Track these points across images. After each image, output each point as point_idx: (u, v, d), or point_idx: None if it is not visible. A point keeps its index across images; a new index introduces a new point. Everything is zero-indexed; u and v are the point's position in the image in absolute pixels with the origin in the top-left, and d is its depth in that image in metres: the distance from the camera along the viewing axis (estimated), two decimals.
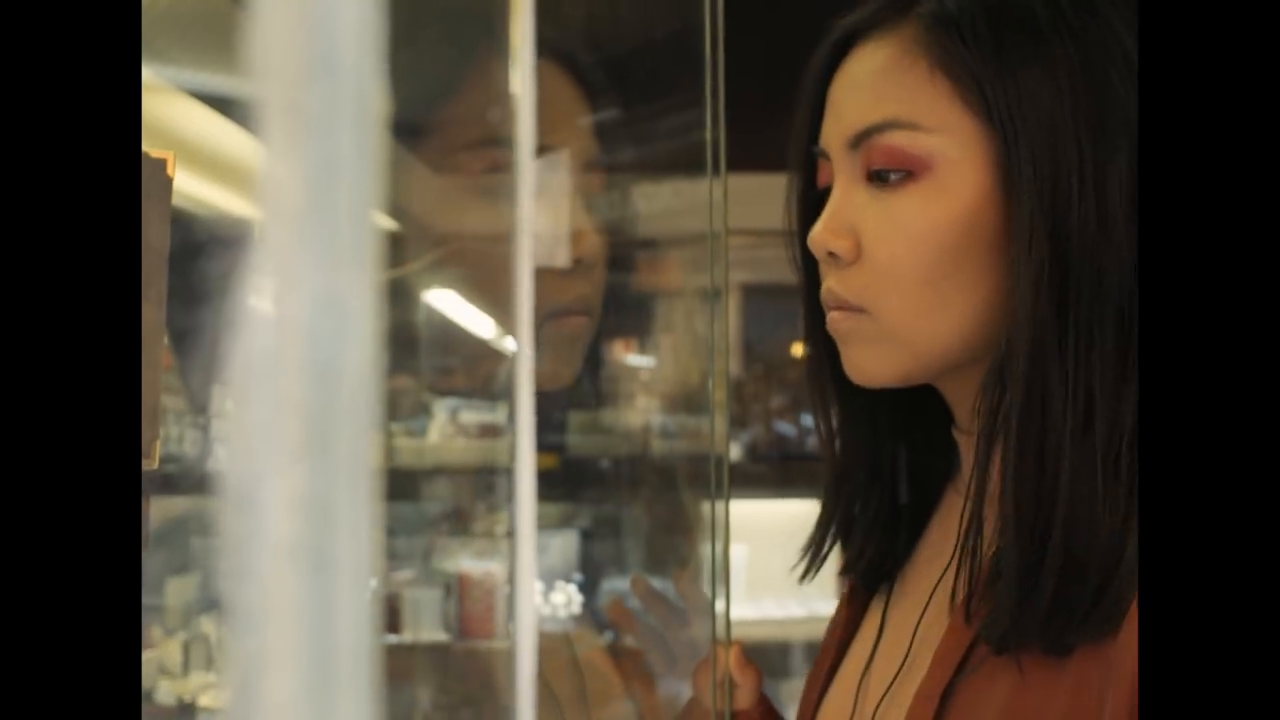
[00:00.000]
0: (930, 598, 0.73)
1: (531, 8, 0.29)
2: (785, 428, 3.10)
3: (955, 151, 0.67)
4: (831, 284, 0.71)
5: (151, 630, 1.95)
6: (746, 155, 1.03)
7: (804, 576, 0.85)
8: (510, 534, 2.36)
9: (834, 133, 0.71)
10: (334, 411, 0.19)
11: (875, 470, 0.80)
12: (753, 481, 2.69)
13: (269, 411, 0.19)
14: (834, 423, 0.79)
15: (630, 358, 2.52)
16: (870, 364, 0.70)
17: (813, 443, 3.07)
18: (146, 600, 1.99)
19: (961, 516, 0.68)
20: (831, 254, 0.70)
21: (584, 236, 0.94)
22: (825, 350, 0.76)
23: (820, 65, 0.73)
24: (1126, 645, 0.62)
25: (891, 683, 0.73)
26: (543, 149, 0.97)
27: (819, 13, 0.78)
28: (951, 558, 0.70)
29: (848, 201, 0.70)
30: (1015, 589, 0.64)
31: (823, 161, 0.73)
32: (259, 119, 0.19)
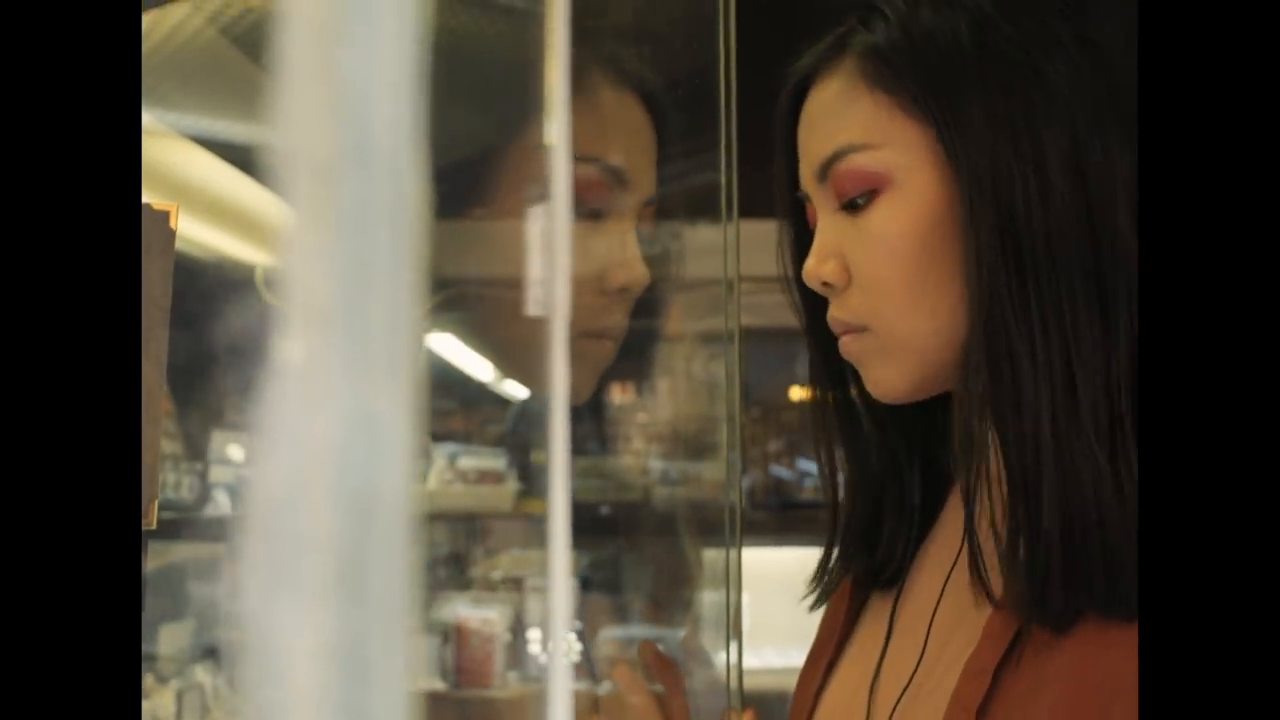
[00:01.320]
0: (942, 592, 0.75)
1: (566, 61, 0.27)
2: (783, 472, 3.08)
3: (906, 159, 0.71)
4: (834, 311, 0.74)
5: (145, 679, 1.92)
6: (748, 201, 1.03)
7: (815, 605, 0.86)
8: (514, 580, 2.34)
9: (806, 172, 0.75)
10: (367, 546, 0.17)
11: (898, 488, 0.81)
12: (753, 529, 2.66)
13: (294, 546, 0.17)
14: (843, 452, 0.81)
15: (629, 402, 2.51)
16: (887, 378, 0.73)
17: (811, 489, 3.05)
18: (141, 648, 1.95)
19: (964, 501, 0.70)
20: (825, 283, 0.73)
21: (634, 266, 0.95)
22: (835, 385, 0.80)
23: (784, 113, 0.78)
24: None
25: (911, 677, 0.74)
26: (617, 174, 0.99)
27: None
28: (960, 548, 0.71)
29: (830, 232, 0.74)
30: (1023, 565, 0.67)
31: (808, 204, 0.77)
32: (287, 213, 0.17)
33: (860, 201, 0.72)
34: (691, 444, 2.50)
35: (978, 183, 0.69)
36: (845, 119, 0.72)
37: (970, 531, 0.69)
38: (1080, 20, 0.72)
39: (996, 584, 0.69)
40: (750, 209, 1.04)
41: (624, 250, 0.96)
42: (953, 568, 0.74)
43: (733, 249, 1.03)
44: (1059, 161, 0.69)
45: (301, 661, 0.16)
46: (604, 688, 2.09)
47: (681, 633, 2.08)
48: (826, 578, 0.84)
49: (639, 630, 2.20)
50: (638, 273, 0.96)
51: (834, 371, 0.79)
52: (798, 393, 3.19)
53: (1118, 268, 0.67)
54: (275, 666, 0.17)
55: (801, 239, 0.78)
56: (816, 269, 0.73)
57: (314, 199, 0.17)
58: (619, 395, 2.53)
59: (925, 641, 0.73)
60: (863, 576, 0.82)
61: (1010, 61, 0.70)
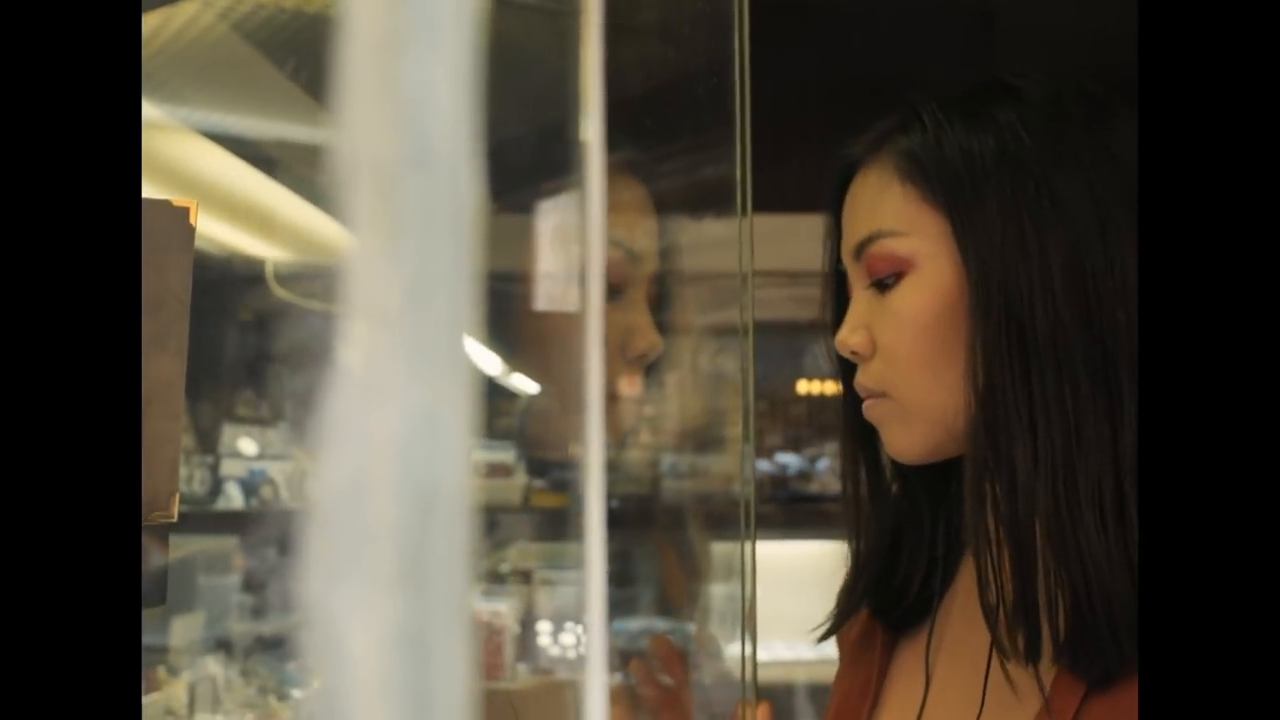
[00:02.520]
0: (990, 656, 0.78)
1: (600, 56, 0.28)
2: (791, 460, 3.08)
3: (929, 247, 0.78)
4: (860, 378, 0.81)
5: (157, 671, 1.93)
6: (756, 196, 1.05)
7: (825, 636, 0.93)
8: (523, 573, 2.34)
9: (845, 249, 0.84)
10: (429, 538, 0.17)
11: (916, 535, 0.87)
12: (760, 522, 2.67)
13: (357, 538, 0.17)
14: (871, 489, 0.88)
15: (637, 395, 2.51)
16: (904, 441, 0.80)
17: (818, 483, 3.05)
18: (151, 640, 1.96)
19: (978, 568, 0.76)
20: (854, 351, 0.81)
21: (649, 333, 1.08)
22: (861, 441, 0.87)
23: (832, 194, 0.87)
24: None
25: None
26: (635, 255, 1.12)
27: (827, 59, 0.82)
28: (997, 607, 0.76)
29: (861, 305, 0.82)
30: (1035, 627, 0.73)
31: (847, 276, 0.85)
32: (348, 217, 0.18)
33: (889, 281, 0.80)
34: (699, 438, 2.51)
35: (985, 275, 0.76)
36: (879, 207, 0.81)
37: (981, 589, 0.75)
38: (1102, 132, 0.79)
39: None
40: (759, 204, 1.05)
41: (640, 320, 1.07)
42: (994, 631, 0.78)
43: (747, 244, 1.05)
44: (1061, 262, 0.75)
45: (365, 650, 0.17)
46: (614, 679, 2.10)
47: (691, 625, 2.09)
48: (842, 611, 0.91)
49: (647, 623, 2.20)
50: (652, 339, 1.09)
51: (860, 428, 0.85)
52: (804, 386, 3.20)
53: (1119, 358, 0.73)
54: (339, 655, 0.17)
55: (839, 305, 0.87)
56: (847, 338, 0.81)
57: (375, 204, 0.18)
58: (627, 389, 2.53)
59: (984, 694, 0.78)
60: (886, 620, 0.88)
61: (1025, 173, 0.77)
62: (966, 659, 0.81)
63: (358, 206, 0.18)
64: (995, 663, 0.77)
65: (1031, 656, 0.73)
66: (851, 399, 0.86)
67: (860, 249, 0.82)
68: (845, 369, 0.86)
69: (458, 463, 0.18)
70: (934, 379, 0.78)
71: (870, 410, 0.81)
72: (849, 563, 0.91)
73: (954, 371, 0.77)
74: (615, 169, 1.11)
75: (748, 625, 0.96)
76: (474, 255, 0.18)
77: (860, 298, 0.82)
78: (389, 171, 0.18)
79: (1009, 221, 0.76)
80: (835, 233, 0.87)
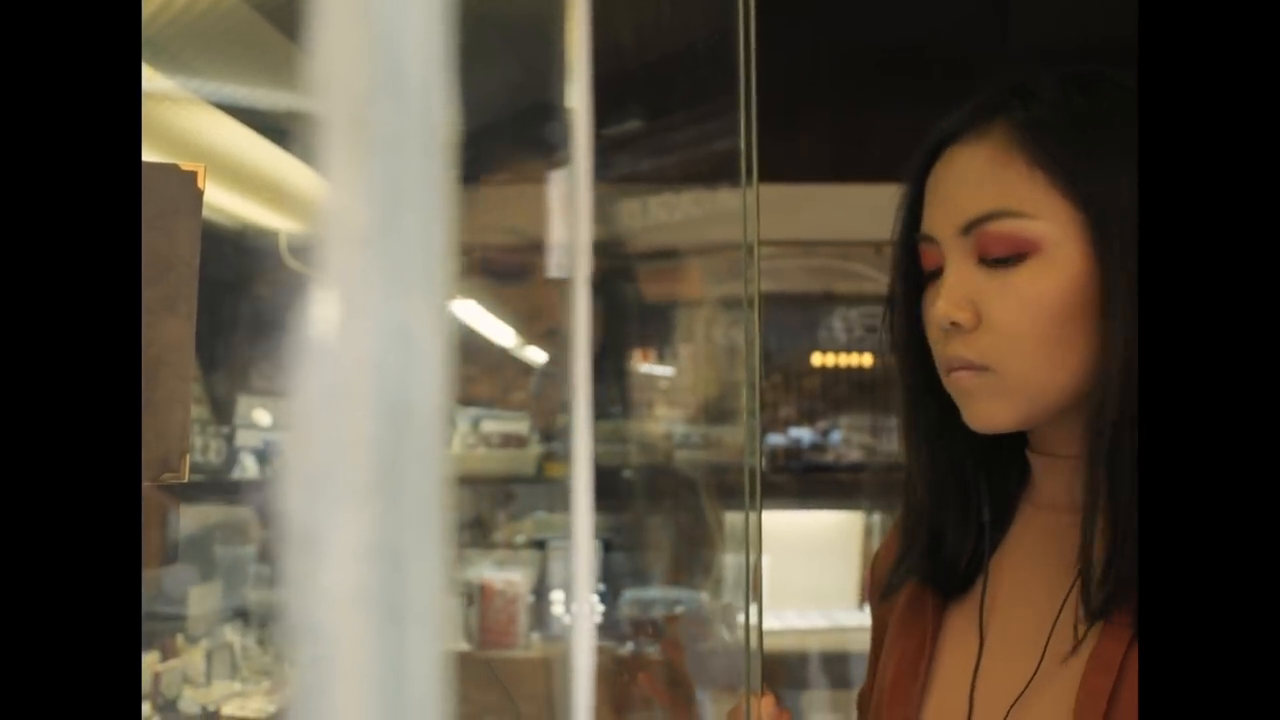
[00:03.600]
0: (1060, 611, 0.82)
1: (587, 22, 0.28)
2: (804, 434, 3.08)
3: (1058, 233, 0.79)
4: (957, 349, 0.82)
5: (175, 639, 1.95)
6: (768, 165, 1.04)
7: (886, 594, 0.95)
8: (537, 543, 2.35)
9: (943, 221, 0.83)
10: (404, 450, 0.18)
11: (964, 489, 0.90)
12: (773, 492, 2.67)
13: (334, 451, 0.18)
14: (930, 460, 0.90)
15: (650, 367, 2.52)
16: (994, 414, 0.82)
17: (832, 453, 3.05)
18: (169, 609, 1.98)
19: (1084, 530, 0.79)
20: (955, 324, 0.81)
21: (553, 312, 1.13)
22: (924, 407, 0.89)
23: (918, 164, 0.86)
24: None
25: (1023, 691, 0.81)
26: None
27: (840, 29, 0.80)
28: (1080, 571, 0.80)
29: (964, 279, 0.81)
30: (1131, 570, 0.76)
31: (927, 246, 0.85)
32: (322, 140, 0.18)
33: (1008, 260, 0.80)
34: (712, 409, 2.52)
35: (1123, 261, 0.77)
36: (999, 185, 0.80)
37: (1083, 548, 0.78)
38: None
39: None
40: (770, 173, 1.04)
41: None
42: (1071, 586, 0.82)
43: (753, 214, 1.04)
44: None
45: (342, 559, 0.18)
46: (625, 649, 2.10)
47: (702, 594, 2.10)
48: (894, 581, 0.93)
49: (660, 592, 2.21)
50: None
51: (920, 399, 0.88)
52: (819, 359, 3.19)
53: None
54: (317, 564, 0.18)
55: (911, 276, 0.87)
56: (951, 312, 0.81)
57: (350, 126, 0.18)
58: (641, 360, 2.54)
59: (1043, 656, 0.81)
60: (937, 587, 0.90)
61: None
62: (1019, 620, 0.85)
63: (333, 128, 0.18)
64: (1062, 619, 0.81)
65: (1106, 611, 0.77)
66: (915, 371, 0.87)
67: (971, 226, 0.81)
68: (913, 341, 0.87)
69: (432, 377, 0.18)
70: (1046, 357, 0.79)
71: (963, 381, 0.82)
72: (902, 533, 0.93)
73: (1072, 352, 0.79)
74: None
75: (753, 594, 0.96)
76: (447, 177, 0.19)
77: (962, 271, 0.82)
78: (362, 96, 0.18)
79: (1126, 212, 0.77)
80: (914, 204, 0.87)
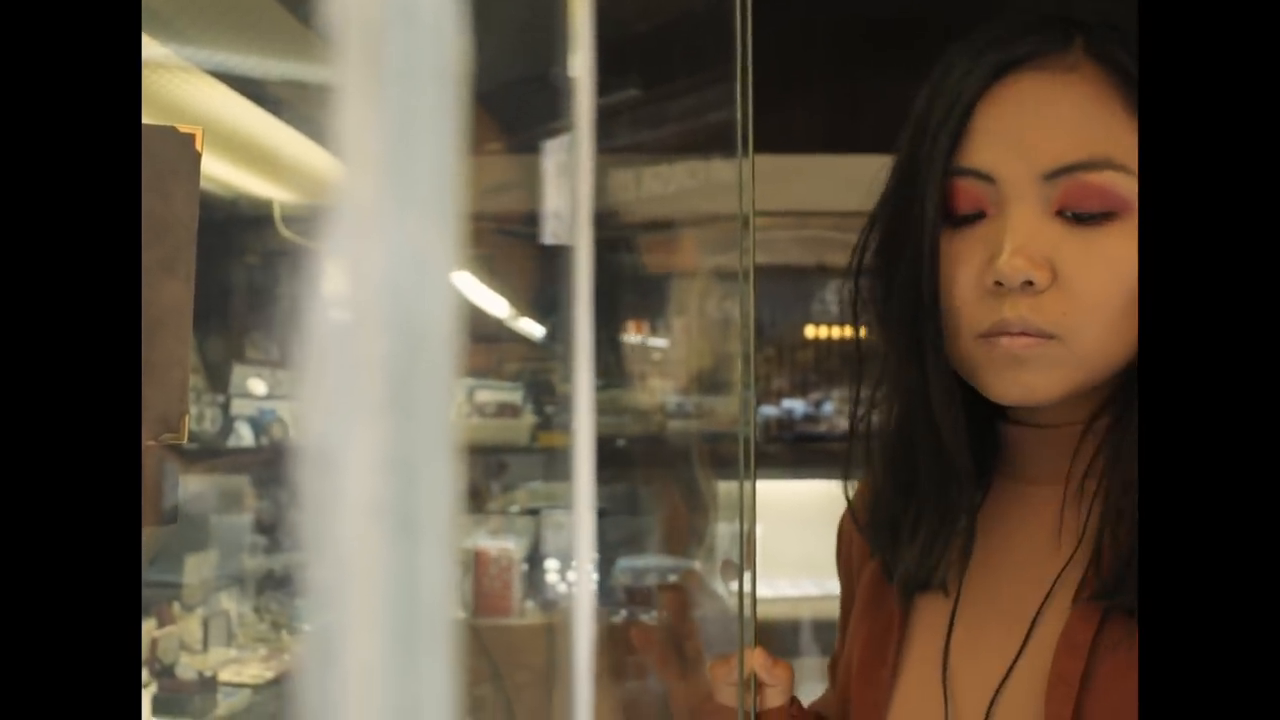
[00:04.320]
0: (1052, 589, 0.76)
1: None
2: (797, 406, 3.09)
3: None
4: (1022, 311, 0.71)
5: (171, 607, 1.96)
6: (761, 136, 1.03)
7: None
8: (531, 511, 2.36)
9: (1013, 160, 0.72)
10: (416, 368, 0.18)
11: (947, 474, 0.80)
12: (766, 461, 2.69)
13: (348, 369, 0.18)
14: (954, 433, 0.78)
15: (645, 338, 2.52)
16: (1045, 385, 0.72)
17: (826, 424, 3.06)
18: (166, 577, 1.99)
19: (1089, 506, 0.74)
20: (1029, 282, 0.71)
21: None
22: (910, 366, 0.78)
23: (975, 84, 0.74)
24: None
25: (1007, 675, 0.76)
26: None
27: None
28: (1077, 547, 0.75)
29: (1038, 232, 0.72)
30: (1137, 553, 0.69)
31: (972, 184, 0.74)
32: (336, 66, 0.19)
33: (1095, 217, 0.71)
34: (706, 380, 2.52)
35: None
36: (1103, 130, 0.71)
37: (1101, 528, 0.72)
38: None
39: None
40: (764, 145, 1.04)
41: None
42: (1067, 564, 0.76)
43: (748, 186, 1.03)
44: None
45: (356, 472, 0.18)
46: (619, 616, 2.12)
47: (696, 563, 2.11)
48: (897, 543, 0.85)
49: (654, 560, 2.23)
50: None
51: (909, 363, 0.77)
52: (811, 331, 3.20)
53: None
54: (332, 477, 0.18)
55: (938, 220, 0.75)
56: (1025, 267, 0.70)
57: (363, 56, 0.19)
58: (636, 332, 2.54)
59: (1027, 635, 0.75)
60: (904, 579, 0.83)
61: None
62: (1003, 599, 0.78)
63: (346, 58, 0.19)
64: (1055, 599, 0.75)
65: (1118, 592, 0.71)
66: (909, 330, 0.76)
67: (1060, 172, 0.71)
68: (918, 295, 0.75)
69: (444, 297, 0.19)
70: (1117, 330, 0.71)
71: (1022, 349, 0.72)
72: (869, 522, 0.86)
73: (1132, 325, 0.71)
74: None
75: (747, 562, 0.96)
76: (458, 106, 0.19)
77: (1034, 222, 0.71)
78: (375, 27, 0.19)
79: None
80: (957, 130, 0.74)
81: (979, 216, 0.74)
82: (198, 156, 0.72)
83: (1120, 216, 0.71)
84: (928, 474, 0.80)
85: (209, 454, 2.15)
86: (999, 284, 0.72)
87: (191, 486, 2.04)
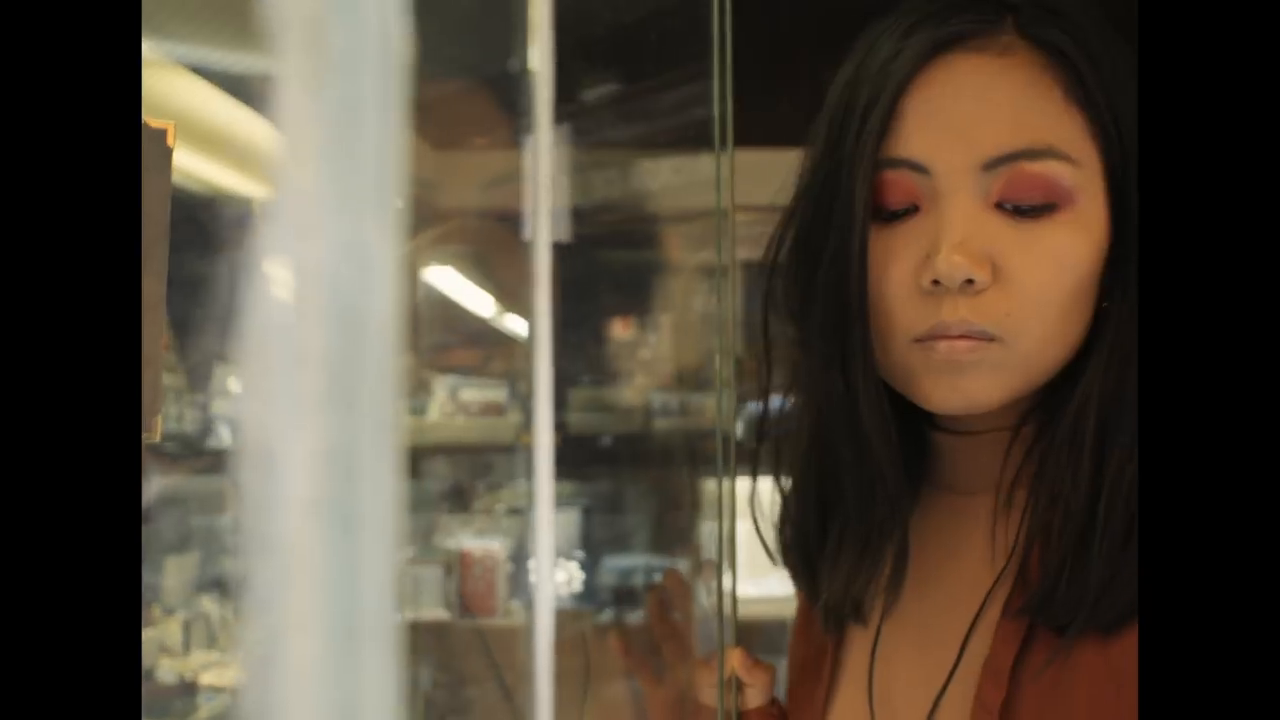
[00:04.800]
0: (983, 607, 0.71)
1: None
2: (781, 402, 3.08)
3: (1090, 183, 0.67)
4: (962, 313, 0.66)
5: (152, 609, 1.95)
6: (747, 130, 1.02)
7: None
8: (519, 511, 2.36)
9: (948, 149, 0.67)
10: (357, 361, 0.18)
11: (872, 499, 0.75)
12: (750, 459, 2.68)
13: (288, 363, 0.18)
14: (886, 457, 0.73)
15: (630, 336, 2.52)
16: (985, 391, 0.68)
17: None
18: (146, 579, 1.99)
19: (1021, 518, 0.70)
20: (969, 281, 0.66)
21: None
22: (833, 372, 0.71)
23: (903, 69, 0.68)
24: None
25: (938, 700, 0.72)
26: None
27: None
28: (1008, 561, 0.70)
29: (977, 226, 0.66)
30: (1066, 567, 0.66)
31: (903, 175, 0.68)
32: (277, 63, 0.18)
33: (1036, 209, 0.67)
34: (691, 377, 2.52)
35: (1135, 227, 0.66)
36: (1041, 117, 0.67)
37: (1044, 547, 0.68)
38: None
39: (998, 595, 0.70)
40: (748, 138, 1.03)
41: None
42: (998, 579, 0.71)
43: (727, 182, 1.02)
44: None
45: (297, 467, 0.18)
46: (605, 615, 2.11)
47: (682, 561, 2.11)
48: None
49: (640, 559, 2.23)
50: None
51: (833, 369, 0.71)
52: None
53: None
54: (272, 472, 0.18)
55: (868, 215, 0.69)
56: (966, 265, 0.65)
57: (304, 47, 0.18)
58: (620, 330, 2.54)
59: (960, 653, 0.71)
60: (827, 611, 0.79)
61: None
62: (934, 615, 0.74)
63: (287, 50, 0.18)
64: (984, 624, 0.71)
65: (1035, 614, 0.68)
66: (833, 336, 0.70)
67: (999, 161, 0.66)
68: (842, 297, 0.69)
69: (384, 289, 0.19)
70: (1059, 329, 0.67)
71: (962, 353, 0.66)
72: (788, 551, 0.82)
73: (1075, 324, 0.68)
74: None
75: (726, 561, 0.95)
76: (401, 96, 0.19)
77: (974, 216, 0.67)
78: (317, 18, 0.18)
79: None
80: (885, 118, 0.68)
81: (911, 210, 0.69)
82: (169, 151, 0.72)
83: (1062, 208, 0.67)
84: (852, 493, 0.74)
85: (189, 454, 2.14)
86: (936, 283, 0.66)
87: (172, 488, 2.04)
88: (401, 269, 0.19)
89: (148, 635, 1.90)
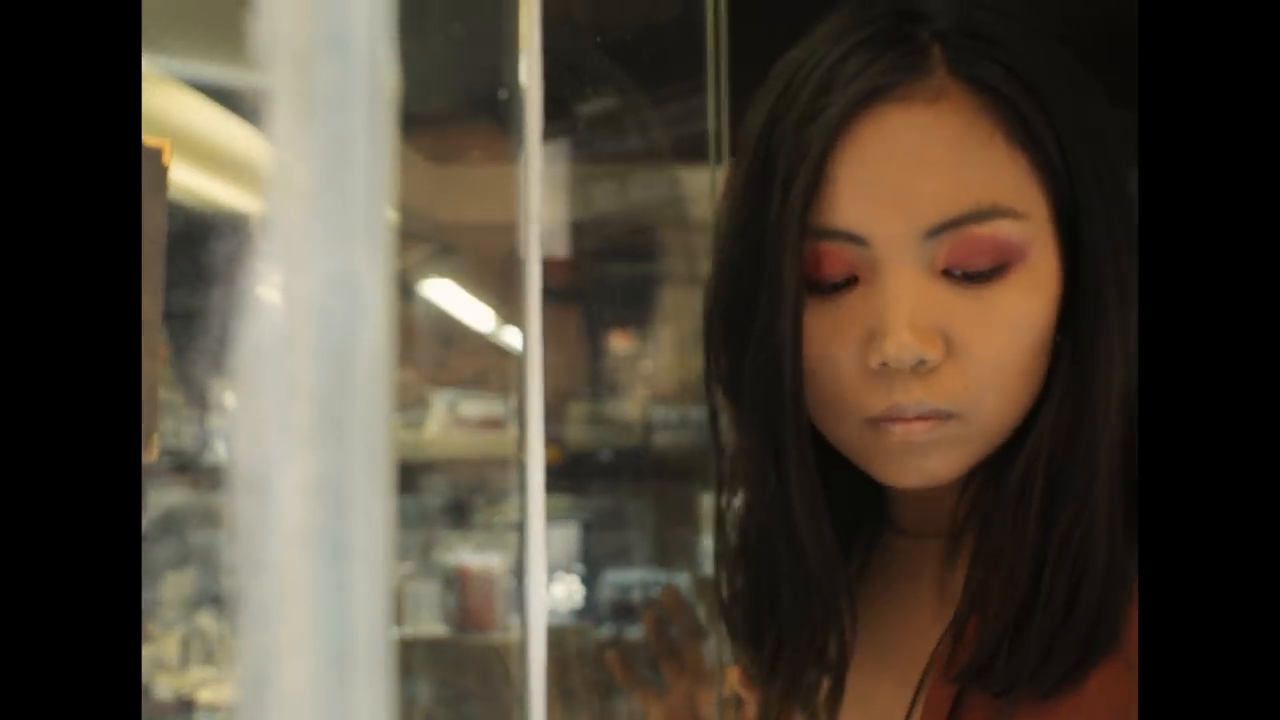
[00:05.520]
0: (930, 661, 0.67)
1: (539, 3, 0.29)
2: None
3: (1041, 234, 0.63)
4: (918, 394, 0.61)
5: (149, 625, 1.95)
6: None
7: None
8: (518, 526, 2.36)
9: (886, 218, 0.61)
10: (347, 394, 0.18)
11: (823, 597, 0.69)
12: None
13: (279, 396, 0.18)
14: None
15: (631, 349, 2.52)
16: (944, 466, 0.64)
17: None
18: (144, 595, 1.98)
19: (967, 579, 0.66)
20: (922, 361, 0.61)
21: None
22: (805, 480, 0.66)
23: (828, 133, 0.62)
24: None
25: None
26: None
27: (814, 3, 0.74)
28: (960, 627, 0.66)
29: (924, 299, 0.61)
30: (1006, 637, 0.63)
31: (838, 247, 0.62)
32: (266, 96, 0.19)
33: (986, 274, 0.62)
34: (692, 390, 2.52)
35: (1093, 274, 0.63)
36: (984, 171, 0.61)
37: (967, 615, 0.65)
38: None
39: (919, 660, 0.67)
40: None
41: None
42: (945, 634, 0.67)
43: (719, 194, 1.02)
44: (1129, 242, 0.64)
45: (288, 499, 0.18)
46: (605, 629, 2.11)
47: (682, 576, 2.11)
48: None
49: (641, 573, 2.23)
50: None
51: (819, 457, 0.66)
52: None
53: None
54: (264, 504, 0.18)
55: (802, 293, 0.63)
56: (918, 345, 0.60)
57: (293, 82, 0.19)
58: (621, 343, 2.54)
59: (909, 713, 0.67)
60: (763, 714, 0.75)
61: (1101, 140, 0.65)
62: (882, 676, 0.70)
63: (277, 84, 0.19)
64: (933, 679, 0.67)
65: (970, 680, 0.64)
66: (793, 433, 0.65)
67: (944, 228, 0.61)
68: (779, 382, 0.64)
69: (374, 323, 0.19)
70: (1016, 395, 0.63)
71: (918, 435, 0.62)
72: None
73: (1031, 384, 0.64)
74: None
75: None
76: (390, 132, 0.19)
77: (920, 287, 0.61)
78: (306, 52, 0.19)
79: (1114, 201, 0.63)
80: (811, 186, 0.61)
81: (850, 282, 0.63)
82: (165, 170, 0.72)
83: (1013, 267, 0.62)
84: (789, 594, 0.69)
85: (187, 470, 2.14)
86: (885, 364, 0.61)
87: (170, 503, 2.04)
88: (399, 284, 0.19)
89: (146, 652, 1.90)
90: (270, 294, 0.18)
